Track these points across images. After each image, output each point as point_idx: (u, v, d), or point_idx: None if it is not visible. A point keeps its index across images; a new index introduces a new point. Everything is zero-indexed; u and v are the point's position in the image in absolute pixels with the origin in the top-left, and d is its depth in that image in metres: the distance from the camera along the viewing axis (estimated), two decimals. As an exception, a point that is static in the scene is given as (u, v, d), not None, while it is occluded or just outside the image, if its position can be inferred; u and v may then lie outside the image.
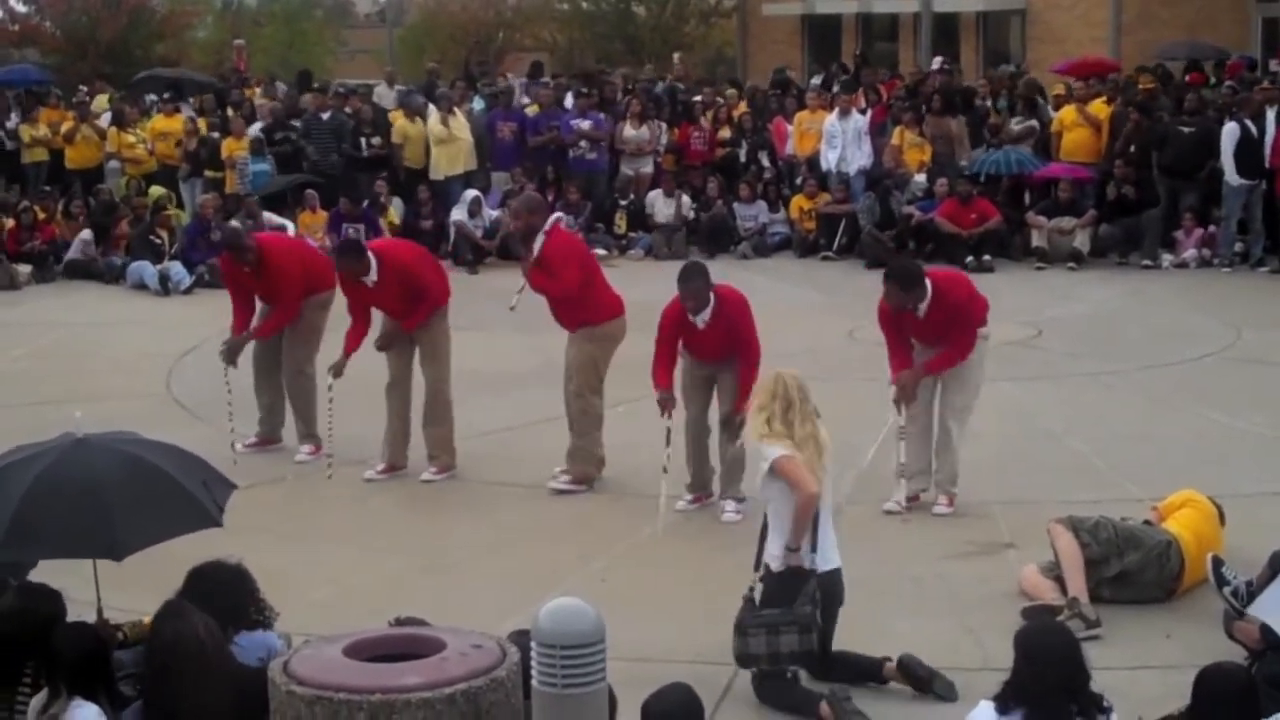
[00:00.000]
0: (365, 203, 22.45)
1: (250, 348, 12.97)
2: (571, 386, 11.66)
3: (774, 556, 8.06)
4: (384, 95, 27.30)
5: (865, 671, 8.23)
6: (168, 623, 6.58)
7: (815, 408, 8.25)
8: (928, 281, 10.81)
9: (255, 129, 24.21)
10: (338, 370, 12.19)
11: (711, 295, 10.72)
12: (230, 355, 12.70)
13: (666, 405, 10.89)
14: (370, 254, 12.06)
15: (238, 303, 12.86)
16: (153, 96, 28.43)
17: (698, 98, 25.71)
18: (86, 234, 22.29)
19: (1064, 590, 8.99)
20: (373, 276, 11.88)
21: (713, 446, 11.13)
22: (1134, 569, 9.15)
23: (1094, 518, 9.38)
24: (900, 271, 11.04)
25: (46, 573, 7.68)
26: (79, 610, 7.24)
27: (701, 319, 10.71)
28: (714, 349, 10.90)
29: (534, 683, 5.77)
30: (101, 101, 27.49)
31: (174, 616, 6.59)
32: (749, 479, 10.06)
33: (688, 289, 10.73)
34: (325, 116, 23.96)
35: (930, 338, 11.00)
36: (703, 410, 11.10)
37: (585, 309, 11.67)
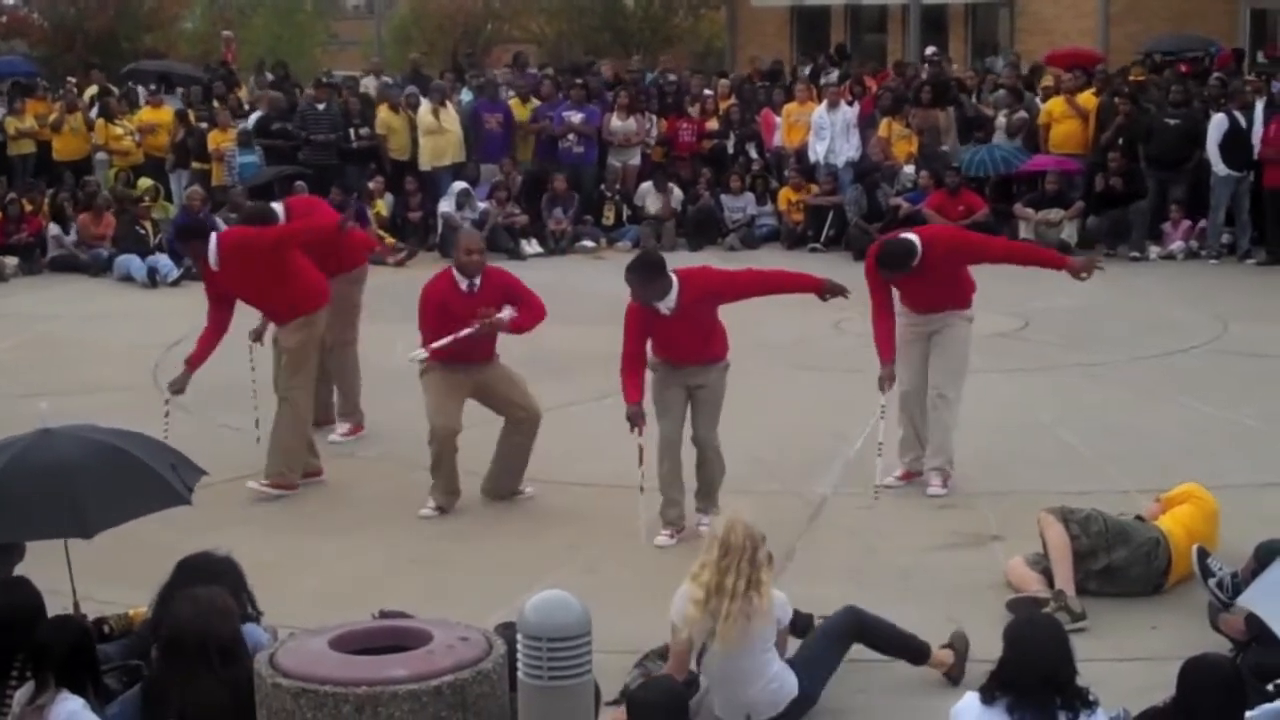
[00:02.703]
0: (355, 194, 22.43)
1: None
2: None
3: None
4: (370, 86, 27.31)
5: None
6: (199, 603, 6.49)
7: (765, 561, 7.43)
8: (916, 245, 10.90)
9: (253, 119, 24.21)
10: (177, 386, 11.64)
11: (672, 280, 10.07)
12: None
13: (637, 420, 10.12)
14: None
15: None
16: (140, 88, 28.41)
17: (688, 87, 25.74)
18: (54, 229, 22.28)
19: (1051, 582, 9.00)
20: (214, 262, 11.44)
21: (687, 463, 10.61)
22: (1120, 565, 9.15)
23: (1085, 510, 9.36)
24: (886, 256, 11.04)
25: (26, 567, 7.71)
26: (57, 604, 7.25)
27: (666, 305, 10.05)
28: (688, 341, 10.23)
29: (520, 675, 5.78)
30: (92, 91, 27.45)
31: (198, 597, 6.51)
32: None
33: (638, 282, 10.08)
34: (321, 107, 23.95)
35: (921, 294, 11.11)
36: (677, 427, 10.35)
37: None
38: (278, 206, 12.95)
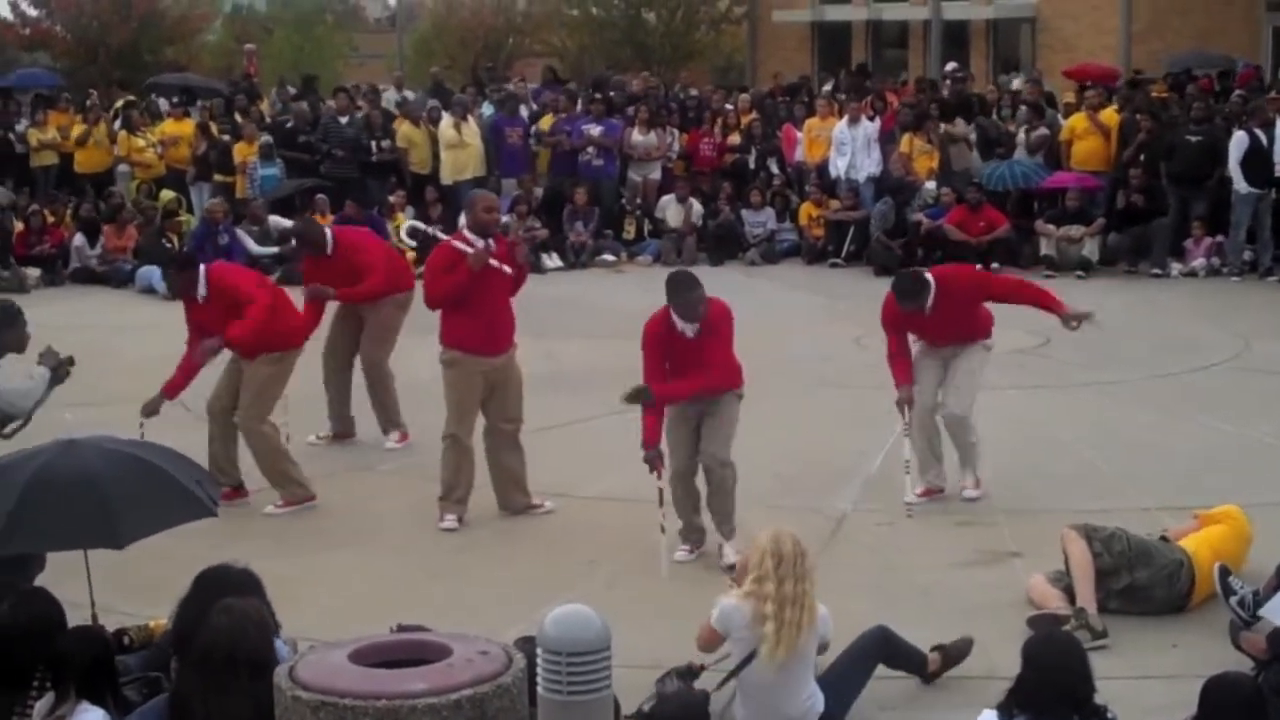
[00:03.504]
0: (376, 207, 22.46)
1: (321, 343, 13.05)
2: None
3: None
4: (390, 102, 27.38)
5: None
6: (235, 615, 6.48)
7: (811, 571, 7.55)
8: (929, 280, 11.03)
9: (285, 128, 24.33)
10: (150, 409, 11.52)
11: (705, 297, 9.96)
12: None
13: (656, 464, 10.00)
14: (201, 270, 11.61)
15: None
16: (163, 101, 28.51)
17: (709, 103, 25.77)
18: (78, 239, 22.37)
19: (1072, 599, 8.98)
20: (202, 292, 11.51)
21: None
22: (1143, 584, 9.11)
23: (1109, 528, 9.33)
24: (900, 291, 11.11)
25: (45, 579, 7.73)
26: (76, 616, 7.26)
27: (692, 328, 9.93)
28: (701, 365, 10.03)
29: (540, 689, 5.77)
30: (119, 104, 27.54)
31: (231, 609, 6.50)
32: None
33: (685, 301, 9.89)
34: (343, 120, 23.99)
35: (938, 331, 11.18)
36: (689, 457, 10.20)
37: None
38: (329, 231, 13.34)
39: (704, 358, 9.97)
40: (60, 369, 9.87)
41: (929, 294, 10.92)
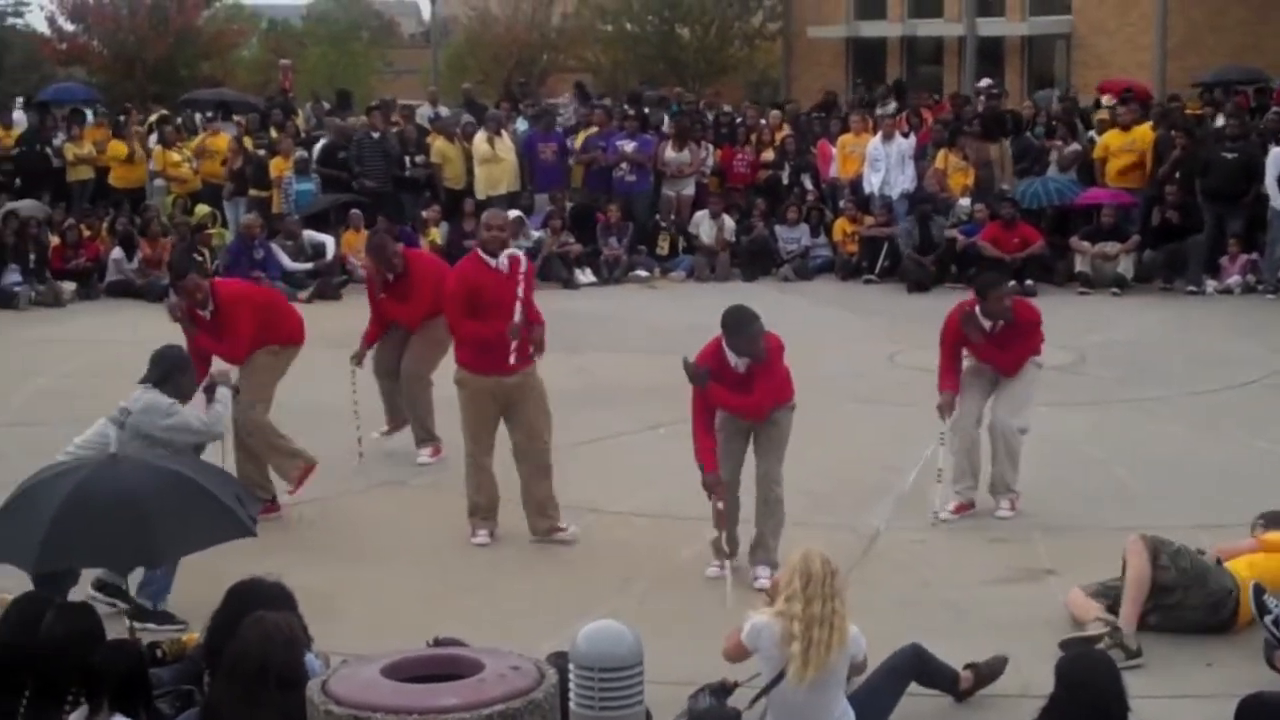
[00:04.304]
0: (410, 223, 22.49)
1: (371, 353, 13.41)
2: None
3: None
4: (423, 117, 27.43)
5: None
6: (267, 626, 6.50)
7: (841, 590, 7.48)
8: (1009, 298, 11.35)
9: (317, 147, 24.33)
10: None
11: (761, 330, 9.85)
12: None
13: (716, 489, 9.85)
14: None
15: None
16: (198, 116, 28.63)
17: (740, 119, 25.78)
18: (117, 252, 22.46)
19: (1114, 609, 8.88)
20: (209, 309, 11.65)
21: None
22: (1190, 606, 9.00)
23: (1177, 544, 9.22)
24: (990, 283, 11.24)
25: (81, 592, 7.75)
26: (112, 628, 7.28)
27: (745, 363, 9.81)
28: (749, 397, 9.92)
29: (572, 705, 5.77)
30: (154, 118, 27.67)
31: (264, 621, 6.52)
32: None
33: (746, 337, 9.75)
34: (376, 136, 24.05)
35: (995, 356, 11.26)
36: (736, 469, 10.17)
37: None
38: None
39: (754, 387, 9.86)
40: (235, 389, 10.57)
41: (1007, 297, 11.12)
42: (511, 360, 10.75)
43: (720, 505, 9.95)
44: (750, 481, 10.26)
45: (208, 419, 9.97)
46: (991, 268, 20.60)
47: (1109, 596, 9.08)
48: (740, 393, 9.87)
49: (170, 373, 9.98)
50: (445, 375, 13.16)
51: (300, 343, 12.11)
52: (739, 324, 9.81)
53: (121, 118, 26.64)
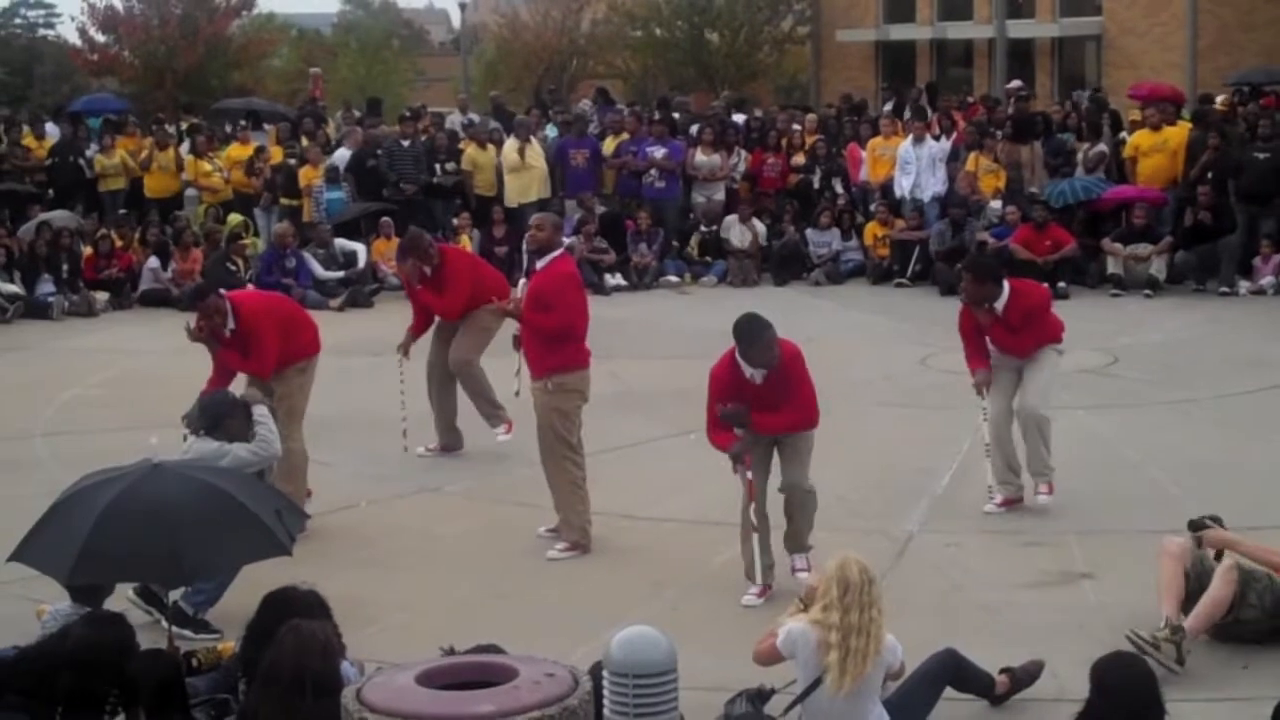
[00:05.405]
0: (440, 230, 22.52)
1: (424, 359, 13.54)
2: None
3: None
4: (455, 123, 27.46)
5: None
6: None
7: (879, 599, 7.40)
8: (1005, 281, 11.21)
9: (343, 155, 24.36)
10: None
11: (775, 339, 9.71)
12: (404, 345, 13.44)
13: (742, 456, 9.76)
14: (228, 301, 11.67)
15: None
16: (229, 126, 28.71)
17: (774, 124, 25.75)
18: (153, 261, 22.54)
19: (1183, 606, 8.72)
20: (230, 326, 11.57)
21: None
22: (1251, 623, 8.90)
23: (1263, 578, 8.85)
24: (976, 266, 11.15)
25: (117, 601, 7.77)
26: (150, 639, 7.30)
27: (760, 374, 9.66)
28: (770, 410, 9.78)
29: (606, 711, 5.77)
30: (184, 127, 27.78)
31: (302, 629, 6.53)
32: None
33: (759, 346, 9.61)
34: (406, 144, 24.08)
35: (1008, 340, 11.25)
36: (764, 477, 10.00)
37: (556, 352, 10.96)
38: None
39: (778, 400, 9.74)
40: (269, 405, 10.69)
41: (998, 291, 11.09)
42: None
43: (750, 476, 9.85)
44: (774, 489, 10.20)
45: (256, 447, 9.98)
46: (1025, 271, 20.68)
47: (1203, 578, 8.85)
48: (765, 411, 9.73)
49: (220, 419, 9.99)
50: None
51: (319, 350, 12.09)
52: (751, 333, 9.65)
53: (154, 128, 26.70)
